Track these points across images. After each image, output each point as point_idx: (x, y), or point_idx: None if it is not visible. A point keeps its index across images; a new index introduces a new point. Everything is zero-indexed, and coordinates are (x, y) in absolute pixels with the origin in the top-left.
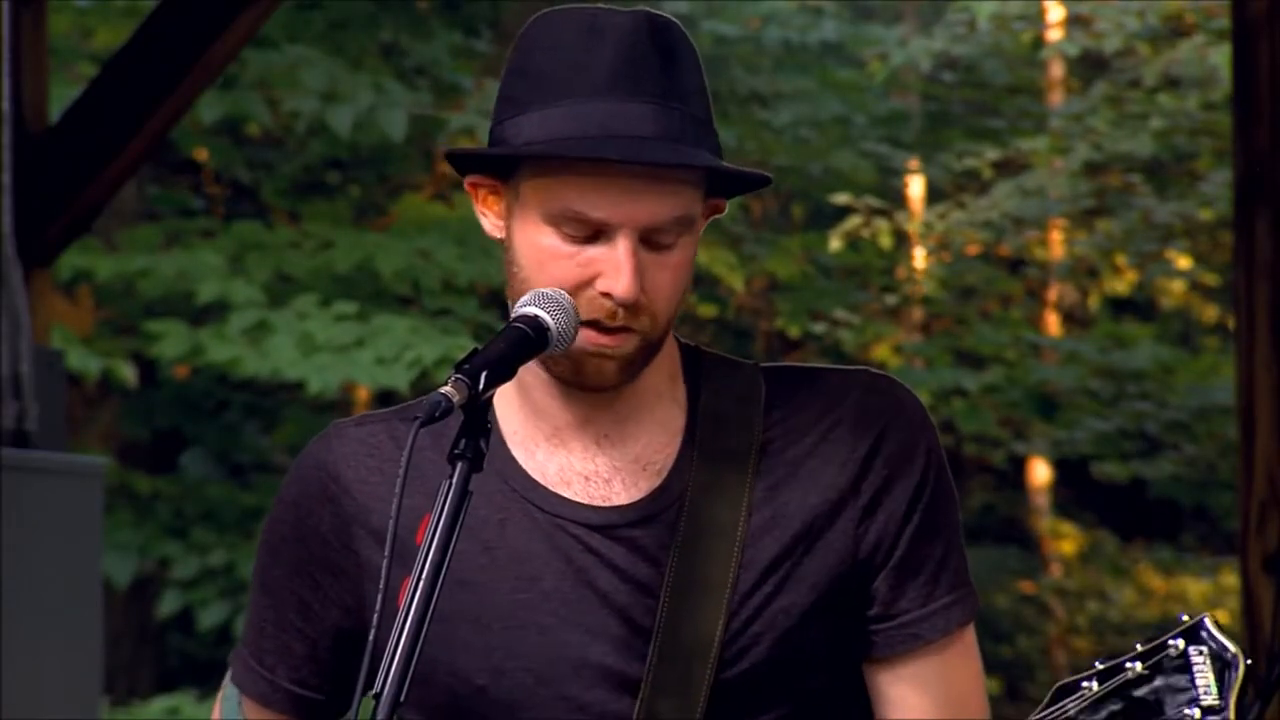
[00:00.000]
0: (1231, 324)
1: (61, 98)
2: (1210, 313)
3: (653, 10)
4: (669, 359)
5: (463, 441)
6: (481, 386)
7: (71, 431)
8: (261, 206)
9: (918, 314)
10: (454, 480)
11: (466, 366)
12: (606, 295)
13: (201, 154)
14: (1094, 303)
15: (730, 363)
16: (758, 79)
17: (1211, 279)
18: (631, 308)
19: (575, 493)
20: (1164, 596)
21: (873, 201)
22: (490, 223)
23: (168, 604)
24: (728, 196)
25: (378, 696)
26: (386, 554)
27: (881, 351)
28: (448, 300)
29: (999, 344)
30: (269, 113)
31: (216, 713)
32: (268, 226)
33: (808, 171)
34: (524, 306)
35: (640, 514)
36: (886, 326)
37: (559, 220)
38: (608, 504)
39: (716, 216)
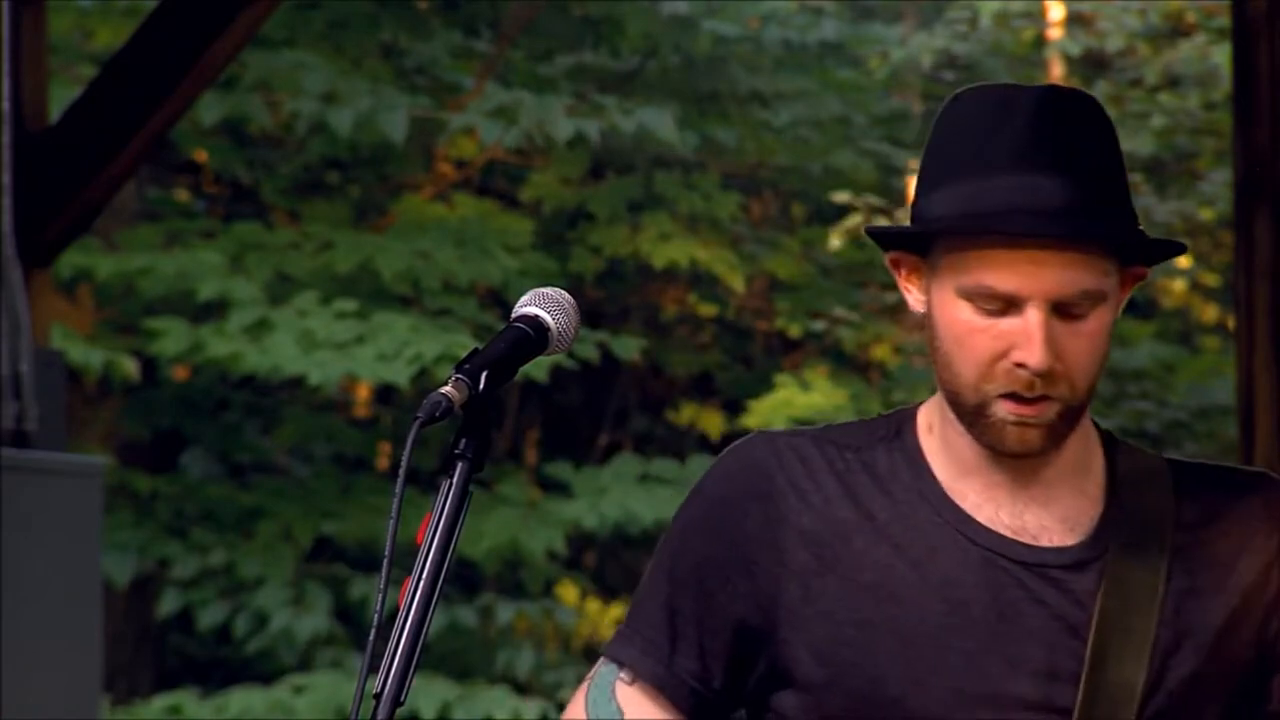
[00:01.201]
0: (1231, 324)
1: (61, 98)
2: (1210, 313)
3: (1065, 86)
4: (1088, 431)
5: (463, 441)
6: (482, 387)
7: (71, 431)
8: (261, 206)
9: None
10: (454, 480)
11: (467, 366)
12: (1021, 366)
13: (201, 155)
14: None
15: (1136, 447)
16: (758, 79)
17: (1211, 279)
18: (1047, 376)
19: (1011, 523)
20: None
21: (873, 200)
22: (913, 298)
23: (167, 604)
24: (1149, 264)
25: (378, 696)
26: (387, 554)
27: (881, 351)
28: (448, 300)
29: None
30: (269, 114)
31: (580, 704)
32: (268, 227)
33: (808, 171)
34: (524, 306)
35: (1071, 559)
36: (887, 326)
37: (971, 294)
38: (1040, 543)
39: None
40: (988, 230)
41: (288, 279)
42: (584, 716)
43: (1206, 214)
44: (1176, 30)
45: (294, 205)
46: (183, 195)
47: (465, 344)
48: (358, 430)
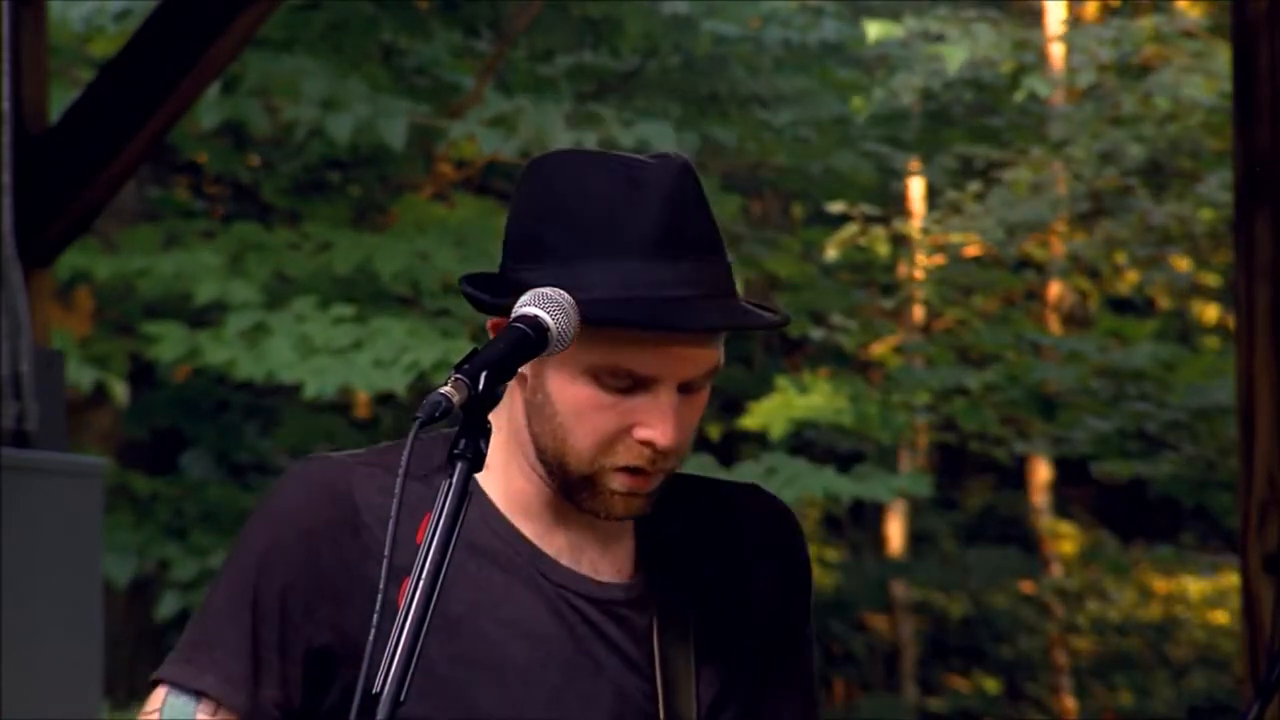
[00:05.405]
0: (1231, 324)
1: (61, 98)
2: (1210, 313)
3: (674, 154)
4: None
5: (462, 441)
6: (481, 387)
7: (71, 432)
8: (262, 207)
9: (918, 314)
10: (454, 480)
11: (466, 367)
12: (646, 443)
13: (201, 157)
14: (1094, 302)
15: None
16: (758, 79)
17: (1211, 279)
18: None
19: (573, 564)
20: (1164, 596)
21: (868, 209)
22: None
23: (166, 606)
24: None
25: (378, 696)
26: (386, 553)
27: (882, 351)
28: (447, 301)
29: (1000, 343)
30: (268, 120)
31: None
32: (267, 227)
33: (808, 172)
34: (524, 307)
35: (630, 596)
36: (887, 326)
37: (601, 373)
38: (602, 579)
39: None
40: (655, 325)
41: (287, 280)
42: None
43: (1206, 214)
44: (1157, 56)
45: (294, 205)
46: (183, 195)
47: (463, 349)
48: (358, 431)
